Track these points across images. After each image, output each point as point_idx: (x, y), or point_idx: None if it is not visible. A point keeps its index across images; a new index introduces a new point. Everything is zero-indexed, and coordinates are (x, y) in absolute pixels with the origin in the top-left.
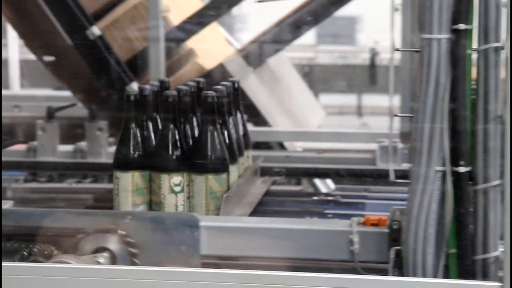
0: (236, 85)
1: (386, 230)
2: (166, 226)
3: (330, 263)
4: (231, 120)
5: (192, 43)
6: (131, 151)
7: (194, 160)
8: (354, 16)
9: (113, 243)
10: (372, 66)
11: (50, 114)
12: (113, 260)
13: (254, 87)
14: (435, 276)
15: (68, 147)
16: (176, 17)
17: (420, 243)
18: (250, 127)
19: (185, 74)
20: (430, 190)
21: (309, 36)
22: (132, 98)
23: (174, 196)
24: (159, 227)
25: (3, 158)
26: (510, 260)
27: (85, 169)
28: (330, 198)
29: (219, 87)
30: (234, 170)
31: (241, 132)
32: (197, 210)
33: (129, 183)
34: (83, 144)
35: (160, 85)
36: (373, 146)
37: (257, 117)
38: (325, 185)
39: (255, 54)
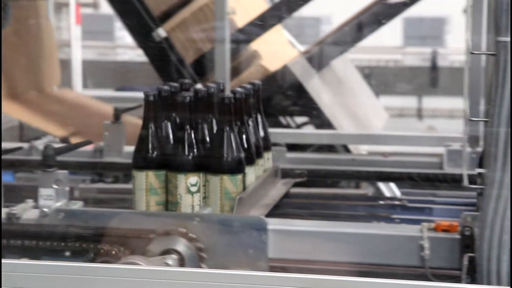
0: (257, 87)
1: (458, 236)
2: (233, 229)
3: (398, 269)
4: (250, 122)
5: (256, 45)
6: (148, 151)
7: (209, 161)
8: (442, 17)
9: (181, 245)
10: (434, 68)
11: (117, 116)
12: (182, 262)
13: (318, 89)
14: (510, 285)
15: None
16: (241, 19)
17: (494, 250)
18: (313, 129)
19: (249, 76)
20: (505, 195)
21: (396, 38)
22: (151, 98)
23: (191, 196)
24: (227, 229)
25: (71, 159)
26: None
27: None
28: (396, 202)
29: (238, 89)
30: (251, 171)
31: (261, 134)
32: (212, 211)
33: (143, 183)
34: None
35: (180, 86)
36: (440, 150)
37: (317, 119)
38: (389, 189)
39: (319, 56)
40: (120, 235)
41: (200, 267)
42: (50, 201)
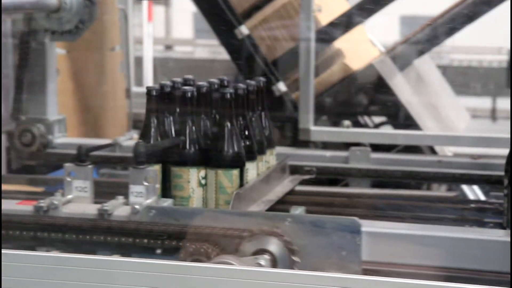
0: (261, 84)
1: None
2: (326, 230)
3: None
4: (253, 118)
5: (338, 43)
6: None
7: (208, 155)
8: None
9: (274, 246)
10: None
11: None
12: (274, 263)
13: (403, 88)
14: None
15: None
16: (324, 17)
17: None
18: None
19: (332, 74)
20: None
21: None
22: (153, 93)
23: (202, 190)
24: (319, 230)
25: None
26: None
27: None
28: (488, 206)
29: (240, 85)
30: (252, 167)
31: (265, 131)
32: (209, 204)
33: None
34: None
35: (183, 82)
36: None
37: (396, 119)
38: (472, 192)
39: (403, 55)
40: (210, 233)
41: (292, 268)
42: (141, 198)
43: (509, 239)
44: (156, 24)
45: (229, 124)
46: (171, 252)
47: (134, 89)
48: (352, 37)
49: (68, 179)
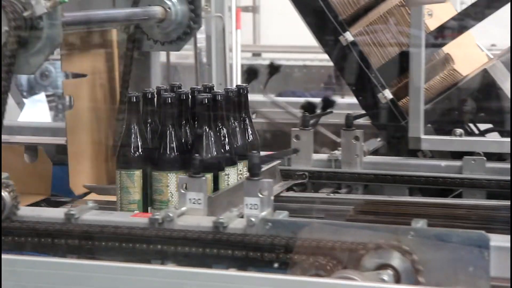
0: (244, 91)
1: None
2: (452, 244)
3: None
4: (234, 124)
5: (446, 48)
6: (131, 151)
7: (185, 161)
8: None
9: (397, 260)
10: None
11: (305, 122)
12: (397, 278)
13: None
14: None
15: (323, 156)
16: (432, 22)
17: None
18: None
19: (441, 80)
20: None
21: None
22: (133, 99)
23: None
24: (444, 245)
25: None
26: None
27: (340, 178)
28: None
29: (218, 91)
30: (232, 172)
31: (248, 137)
32: None
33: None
34: (337, 153)
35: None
36: None
37: (501, 125)
38: None
39: None
40: (330, 247)
41: (417, 283)
42: (255, 210)
43: None
44: (244, 31)
45: (204, 131)
46: (289, 266)
47: None
48: (460, 42)
49: (182, 191)
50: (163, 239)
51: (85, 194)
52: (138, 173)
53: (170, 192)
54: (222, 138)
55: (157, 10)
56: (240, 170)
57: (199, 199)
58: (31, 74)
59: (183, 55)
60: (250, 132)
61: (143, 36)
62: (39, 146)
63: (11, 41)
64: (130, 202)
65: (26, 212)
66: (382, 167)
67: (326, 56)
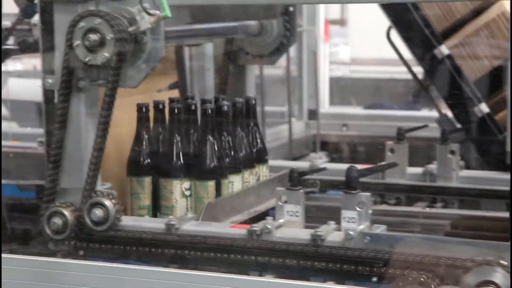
0: (252, 102)
1: None
2: None
3: None
4: (241, 133)
5: None
6: (140, 159)
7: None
8: None
9: (500, 277)
10: None
11: (400, 135)
12: None
13: None
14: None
15: (417, 169)
16: None
17: None
18: None
19: None
20: None
21: None
22: (143, 110)
23: (185, 200)
24: None
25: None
26: None
27: (435, 192)
28: None
29: (224, 102)
30: (237, 180)
31: (255, 146)
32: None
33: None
34: (433, 166)
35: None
36: None
37: None
38: None
39: None
40: (430, 262)
41: None
42: (353, 223)
43: None
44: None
45: (209, 139)
46: (386, 280)
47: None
48: None
49: (280, 203)
50: (262, 251)
51: None
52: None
53: (175, 199)
54: (226, 147)
55: (254, 24)
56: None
57: (297, 211)
58: (133, 88)
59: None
60: (259, 139)
61: (238, 49)
62: None
63: (116, 56)
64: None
65: (128, 221)
66: (478, 182)
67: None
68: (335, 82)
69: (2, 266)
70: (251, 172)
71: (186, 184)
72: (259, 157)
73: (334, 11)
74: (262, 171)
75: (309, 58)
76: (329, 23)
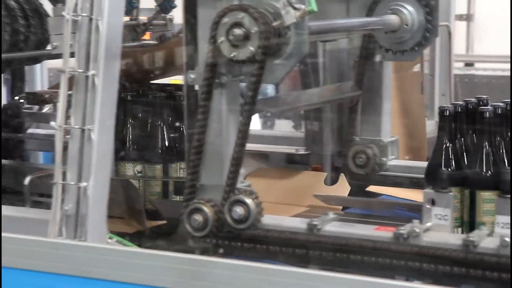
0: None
1: None
2: None
3: None
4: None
5: None
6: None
7: None
8: None
9: None
10: None
11: None
12: None
13: None
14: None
15: None
16: None
17: None
18: None
19: None
20: None
21: None
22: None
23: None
24: None
25: None
26: None
27: None
28: None
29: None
30: None
31: None
32: None
33: None
34: None
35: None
36: None
37: None
38: None
39: None
40: None
41: None
42: (507, 229)
43: None
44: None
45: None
46: None
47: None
48: None
49: (427, 206)
50: (409, 255)
51: None
52: None
53: None
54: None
55: (393, 19)
56: None
57: (446, 215)
58: (275, 83)
59: None
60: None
61: (375, 45)
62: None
63: (261, 50)
64: None
65: (268, 220)
66: None
67: None
68: (459, 80)
69: (146, 262)
70: None
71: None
72: None
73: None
74: None
75: (441, 55)
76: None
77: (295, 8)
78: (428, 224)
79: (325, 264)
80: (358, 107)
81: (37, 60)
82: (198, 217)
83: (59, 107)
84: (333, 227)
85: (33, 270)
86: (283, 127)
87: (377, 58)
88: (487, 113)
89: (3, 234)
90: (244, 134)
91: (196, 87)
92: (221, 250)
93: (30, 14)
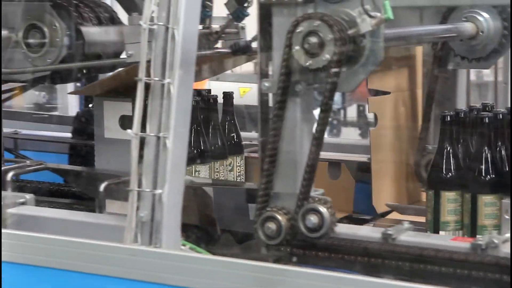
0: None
1: None
2: None
3: None
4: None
5: None
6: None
7: None
8: None
9: None
10: None
11: None
12: None
13: None
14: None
15: None
16: None
17: None
18: None
19: None
20: None
21: None
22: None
23: None
24: None
25: None
26: None
27: None
28: None
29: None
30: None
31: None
32: None
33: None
34: None
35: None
36: None
37: None
38: None
39: None
40: None
41: None
42: None
43: None
44: None
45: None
46: None
47: None
48: None
49: (506, 216)
50: (487, 266)
51: (386, 212)
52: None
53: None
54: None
55: (468, 26)
56: None
57: None
58: (350, 91)
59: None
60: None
61: (449, 52)
62: (342, 163)
63: (336, 58)
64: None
65: (342, 229)
66: None
67: None
68: None
69: (220, 269)
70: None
71: None
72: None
73: None
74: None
75: None
76: None
77: (370, 16)
78: (507, 235)
79: (400, 274)
80: (431, 115)
81: (113, 68)
82: (272, 225)
83: (135, 115)
84: (408, 236)
85: (109, 275)
86: (350, 134)
87: (450, 66)
88: (487, 118)
89: (80, 240)
90: (318, 142)
91: (270, 95)
92: (294, 259)
93: (104, 22)
